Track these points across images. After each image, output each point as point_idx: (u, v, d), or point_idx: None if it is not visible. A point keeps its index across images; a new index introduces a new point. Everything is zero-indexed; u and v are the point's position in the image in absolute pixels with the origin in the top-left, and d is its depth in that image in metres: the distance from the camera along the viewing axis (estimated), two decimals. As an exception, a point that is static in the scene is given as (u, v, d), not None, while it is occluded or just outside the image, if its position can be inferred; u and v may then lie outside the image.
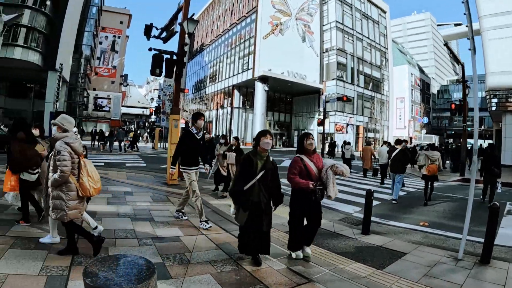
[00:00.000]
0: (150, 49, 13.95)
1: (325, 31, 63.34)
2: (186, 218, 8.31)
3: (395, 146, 14.10)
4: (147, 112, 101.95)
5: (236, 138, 12.13)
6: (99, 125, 67.63)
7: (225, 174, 11.96)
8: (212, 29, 78.29)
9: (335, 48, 60.60)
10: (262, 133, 5.69)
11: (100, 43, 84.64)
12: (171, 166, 8.15)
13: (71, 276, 4.64)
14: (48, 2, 45.78)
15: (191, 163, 7.96)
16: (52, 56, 45.68)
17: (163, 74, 14.36)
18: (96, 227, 6.31)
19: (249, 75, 55.50)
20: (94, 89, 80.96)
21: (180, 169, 8.22)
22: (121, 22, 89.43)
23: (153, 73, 13.85)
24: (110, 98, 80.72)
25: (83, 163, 5.22)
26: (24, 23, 42.50)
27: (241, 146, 12.08)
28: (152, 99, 49.79)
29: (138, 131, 48.16)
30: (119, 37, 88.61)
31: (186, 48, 14.47)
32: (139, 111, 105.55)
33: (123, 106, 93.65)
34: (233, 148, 11.69)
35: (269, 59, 53.39)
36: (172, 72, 14.05)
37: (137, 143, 36.32)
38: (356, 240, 7.68)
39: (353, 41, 64.18)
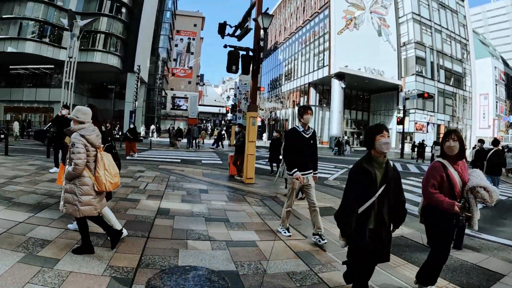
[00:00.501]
0: (225, 46, 13.47)
1: (401, 23, 58.09)
2: (289, 234, 6.63)
3: (493, 147, 12.64)
4: (223, 110, 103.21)
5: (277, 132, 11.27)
6: (176, 123, 69.95)
7: None
8: (285, 27, 77.36)
9: (413, 42, 55.71)
10: (376, 130, 3.86)
11: (176, 45, 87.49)
12: (288, 172, 6.47)
13: (136, 279, 4.28)
14: (123, 10, 48.64)
15: (300, 167, 6.32)
16: (130, 59, 48.42)
17: (239, 71, 13.93)
18: (121, 230, 5.71)
19: (325, 72, 53.32)
20: (172, 89, 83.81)
21: (288, 175, 6.64)
22: (195, 25, 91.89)
23: (229, 70, 13.38)
24: (187, 98, 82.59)
25: (100, 156, 4.84)
26: (102, 30, 45.84)
27: (318, 145, 11.12)
28: (228, 97, 49.71)
29: (223, 130, 48.06)
30: (193, 39, 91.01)
31: (262, 44, 13.85)
32: (215, 110, 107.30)
33: (199, 105, 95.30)
34: None
35: (345, 55, 50.87)
36: (249, 69, 13.48)
37: (222, 141, 36.54)
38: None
39: (431, 33, 58.13)
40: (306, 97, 61.22)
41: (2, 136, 24.07)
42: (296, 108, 61.43)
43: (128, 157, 19.14)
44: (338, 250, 5.63)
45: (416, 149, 37.03)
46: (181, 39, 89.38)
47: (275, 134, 15.76)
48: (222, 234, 6.47)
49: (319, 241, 6.14)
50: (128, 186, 10.29)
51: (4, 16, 42.00)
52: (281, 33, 79.43)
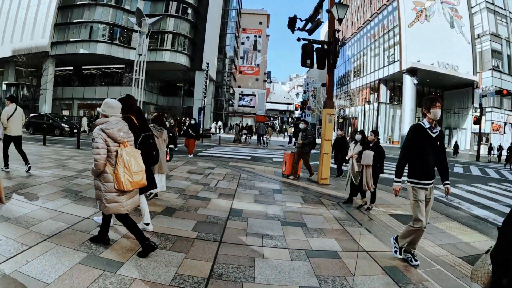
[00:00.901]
0: (298, 39, 12.74)
1: (474, 13, 51.50)
2: (417, 263, 5.02)
3: None
4: (290, 108, 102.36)
5: (375, 133, 8.63)
6: (244, 120, 70.68)
7: (356, 182, 8.78)
8: (352, 22, 74.61)
9: (488, 33, 49.32)
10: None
11: (243, 43, 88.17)
12: (395, 179, 5.16)
13: (209, 291, 3.77)
14: (189, 10, 49.81)
15: (422, 175, 5.01)
16: (198, 57, 49.57)
17: (309, 68, 12.98)
18: (148, 224, 5.52)
19: (396, 67, 50.21)
20: (240, 87, 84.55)
21: (407, 183, 5.14)
22: (260, 23, 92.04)
23: (303, 64, 12.47)
24: (254, 95, 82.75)
25: (120, 152, 4.36)
26: (169, 30, 47.36)
27: (387, 144, 9.61)
28: (297, 94, 48.35)
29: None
30: (259, 36, 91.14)
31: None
32: (282, 107, 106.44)
33: (267, 102, 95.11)
34: (371, 145, 8.62)
35: (416, 50, 47.47)
36: (324, 63, 12.51)
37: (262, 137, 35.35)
38: None
39: (507, 23, 51.35)
40: (376, 94, 58.28)
41: (75, 130, 25.60)
42: (366, 105, 59.27)
43: (190, 155, 17.43)
44: (427, 266, 4.98)
45: (500, 152, 34.41)
46: (247, 37, 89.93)
47: (338, 132, 14.27)
48: (301, 241, 5.73)
49: (411, 261, 5.06)
50: (198, 183, 9.91)
51: (75, 21, 45.01)
52: (348, 28, 76.84)
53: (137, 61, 14.51)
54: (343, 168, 13.65)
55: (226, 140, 34.97)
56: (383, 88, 56.35)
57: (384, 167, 8.76)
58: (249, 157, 19.81)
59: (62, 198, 6.90)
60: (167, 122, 16.67)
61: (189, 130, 17.99)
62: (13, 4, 49.43)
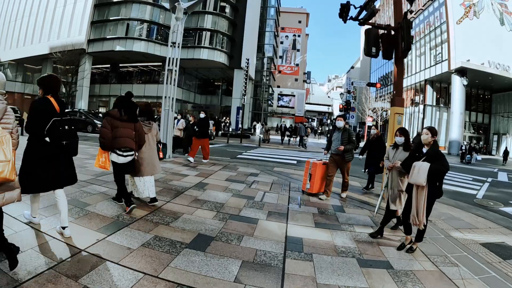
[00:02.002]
0: (360, 23, 10.90)
1: None
2: None
3: None
4: (329, 109, 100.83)
5: (432, 131, 5.28)
6: (283, 121, 69.03)
7: (395, 206, 6.04)
8: (394, 20, 70.89)
9: None
10: None
11: (281, 42, 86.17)
12: None
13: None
14: (227, 7, 48.64)
15: None
16: (237, 55, 48.12)
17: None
18: (65, 228, 4.60)
19: (444, 67, 45.74)
20: (278, 86, 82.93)
21: None
22: (299, 21, 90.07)
23: (368, 52, 10.33)
24: (293, 95, 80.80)
25: None
26: (207, 27, 46.09)
27: None
28: (341, 94, 45.58)
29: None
30: (299, 35, 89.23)
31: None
32: (321, 109, 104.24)
33: (306, 103, 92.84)
34: (423, 151, 5.69)
35: (466, 48, 43.05)
36: (391, 52, 10.21)
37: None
38: None
39: None
40: (422, 95, 54.48)
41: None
42: (410, 108, 55.54)
43: (204, 161, 13.34)
44: None
45: None
46: (286, 36, 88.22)
47: (373, 131, 11.16)
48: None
49: None
50: (241, 196, 8.02)
51: (111, 18, 44.66)
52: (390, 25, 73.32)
53: (171, 48, 12.85)
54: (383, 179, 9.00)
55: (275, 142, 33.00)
56: (429, 89, 52.50)
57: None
58: (295, 161, 17.56)
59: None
60: (182, 121, 15.69)
61: (195, 127, 13.33)
62: (50, 2, 50.12)
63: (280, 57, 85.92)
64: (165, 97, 12.97)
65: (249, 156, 18.52)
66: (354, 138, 8.72)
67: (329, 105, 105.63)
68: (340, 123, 8.89)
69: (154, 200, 6.61)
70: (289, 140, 32.56)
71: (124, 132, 5.84)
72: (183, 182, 8.90)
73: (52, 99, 4.38)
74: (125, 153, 5.92)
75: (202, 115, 13.37)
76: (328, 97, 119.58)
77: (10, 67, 60.26)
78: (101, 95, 52.25)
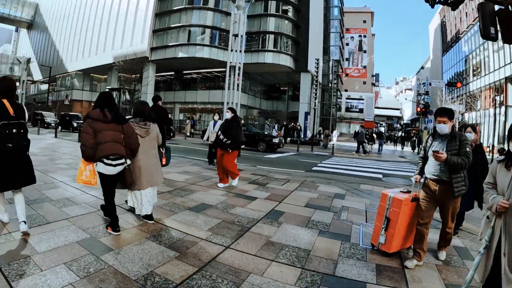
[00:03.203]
0: (451, 5, 8.74)
1: None
2: None
3: None
4: (398, 113, 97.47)
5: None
6: (352, 126, 67.79)
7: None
8: (466, 13, 65.68)
9: None
10: None
11: (347, 44, 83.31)
12: None
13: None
14: (289, 9, 46.91)
15: None
16: (302, 58, 46.31)
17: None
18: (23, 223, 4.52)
19: None
20: (346, 90, 79.86)
21: None
22: (364, 21, 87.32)
23: (486, 34, 7.70)
24: (362, 99, 77.64)
25: None
26: (270, 30, 44.62)
27: None
28: (419, 95, 41.42)
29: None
30: (364, 36, 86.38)
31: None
32: (391, 113, 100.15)
33: (375, 107, 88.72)
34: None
35: None
36: None
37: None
38: None
39: None
40: (502, 95, 48.99)
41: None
42: (489, 110, 50.25)
43: (234, 182, 9.49)
44: None
45: None
46: (352, 37, 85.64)
47: (470, 135, 6.49)
48: None
49: None
50: (331, 234, 5.56)
51: (173, 25, 44.71)
52: (463, 20, 67.76)
53: (232, 41, 10.96)
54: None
55: (339, 149, 30.21)
56: (510, 88, 47.33)
57: None
58: (380, 175, 14.54)
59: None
60: (221, 122, 12.12)
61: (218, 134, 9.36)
62: (112, 13, 51.96)
63: (347, 59, 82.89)
64: (227, 102, 10.97)
65: (325, 167, 15.92)
66: (469, 151, 4.46)
67: (398, 109, 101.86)
68: (444, 128, 4.54)
69: (149, 217, 5.58)
70: (366, 148, 28.78)
71: (110, 136, 4.83)
72: (249, 209, 6.61)
73: (6, 102, 4.37)
74: (114, 162, 4.88)
75: (228, 114, 9.40)
76: (397, 100, 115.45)
77: (77, 76, 63.68)
78: (166, 102, 51.33)
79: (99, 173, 4.82)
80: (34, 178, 4.70)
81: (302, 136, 37.67)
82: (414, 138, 37.26)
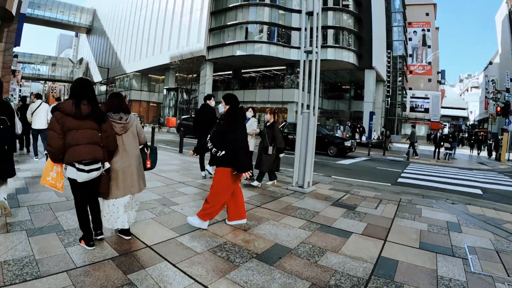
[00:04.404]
0: None
1: None
2: None
3: None
4: (464, 113, 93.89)
5: None
6: (418, 127, 64.39)
7: None
8: None
9: None
10: None
11: (410, 39, 78.91)
12: None
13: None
14: (350, 5, 44.48)
15: None
16: (366, 54, 43.96)
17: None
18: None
19: None
20: (410, 88, 76.14)
21: None
22: (427, 14, 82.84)
23: None
24: (428, 98, 73.82)
25: None
26: (330, 24, 42.37)
27: None
28: (496, 91, 37.57)
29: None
30: (428, 30, 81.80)
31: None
32: (456, 113, 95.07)
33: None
34: None
35: None
36: None
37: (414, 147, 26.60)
38: None
39: None
40: None
41: None
42: None
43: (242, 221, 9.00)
44: None
45: None
46: (415, 32, 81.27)
47: None
48: None
49: None
50: None
51: (229, 23, 43.88)
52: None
53: (304, 20, 9.16)
54: None
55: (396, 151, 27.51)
56: None
57: None
58: (478, 189, 11.80)
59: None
60: (254, 120, 9.59)
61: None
62: (168, 14, 52.67)
63: (410, 55, 78.27)
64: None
65: (410, 178, 13.48)
66: None
67: (464, 109, 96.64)
68: None
69: (126, 232, 4.58)
70: (448, 154, 25.47)
71: (85, 135, 3.89)
72: (347, 257, 4.49)
73: None
74: (88, 167, 3.94)
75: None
76: (463, 99, 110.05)
77: (135, 77, 65.38)
78: (225, 102, 50.95)
79: (68, 178, 4.01)
80: (13, 171, 4.82)
81: (364, 137, 34.93)
82: (491, 142, 33.43)
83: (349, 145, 20.69)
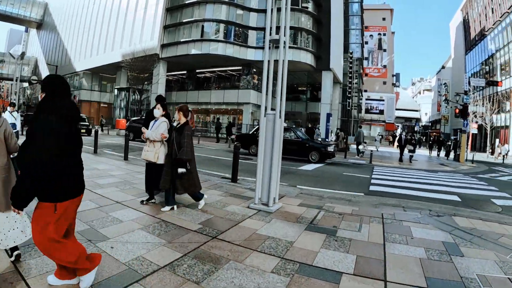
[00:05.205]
0: None
1: None
2: None
3: None
4: (417, 115, 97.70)
5: None
6: (373, 128, 67.41)
7: None
8: (492, 9, 61.71)
9: None
10: None
11: (366, 43, 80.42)
12: None
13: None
14: (310, 6, 43.86)
15: None
16: (324, 55, 43.60)
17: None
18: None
19: None
20: (365, 91, 77.20)
21: None
22: (384, 19, 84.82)
23: None
24: (383, 100, 75.51)
25: None
26: (290, 24, 40.72)
27: None
28: (457, 94, 37.59)
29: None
30: (384, 34, 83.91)
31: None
32: (409, 114, 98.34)
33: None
34: None
35: None
36: None
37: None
38: None
39: None
40: None
41: None
42: None
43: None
44: None
45: None
46: (371, 35, 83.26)
47: None
48: None
49: None
50: None
51: (185, 20, 42.31)
52: (488, 17, 63.94)
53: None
54: None
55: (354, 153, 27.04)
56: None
57: None
58: (454, 196, 11.09)
59: None
60: (164, 121, 7.05)
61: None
62: (121, 9, 50.11)
63: (366, 58, 79.89)
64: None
65: (382, 185, 12.52)
66: None
67: (417, 110, 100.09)
68: None
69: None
70: (411, 156, 25.22)
71: None
72: None
73: None
74: None
75: (157, 112, 7.12)
76: (415, 101, 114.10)
77: (86, 76, 61.65)
78: (178, 102, 48.84)
79: None
80: None
81: (320, 139, 34.56)
82: (449, 143, 33.84)
83: (332, 150, 19.44)
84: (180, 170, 6.21)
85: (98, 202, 6.72)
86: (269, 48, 7.67)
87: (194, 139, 31.18)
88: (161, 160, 6.67)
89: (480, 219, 7.51)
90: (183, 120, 6.56)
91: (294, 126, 38.66)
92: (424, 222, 6.86)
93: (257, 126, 20.94)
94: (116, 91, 51.17)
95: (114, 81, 57.97)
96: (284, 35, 7.51)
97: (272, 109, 7.70)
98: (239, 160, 10.34)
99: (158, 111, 6.95)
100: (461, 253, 5.12)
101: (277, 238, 5.37)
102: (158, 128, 6.73)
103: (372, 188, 11.68)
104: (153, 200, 7.01)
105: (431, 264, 4.62)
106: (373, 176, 14.98)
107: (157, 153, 6.70)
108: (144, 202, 6.90)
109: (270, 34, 7.59)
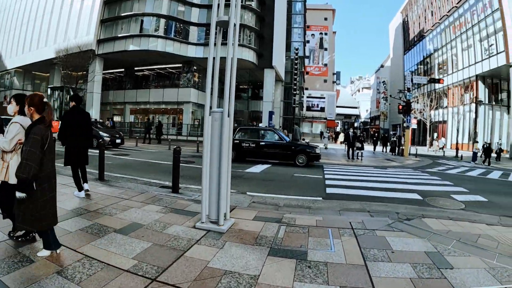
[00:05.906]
0: None
1: None
2: None
3: None
4: (356, 112, 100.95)
5: None
6: (314, 126, 68.77)
7: None
8: (432, 12, 64.13)
9: None
10: None
11: (308, 41, 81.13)
12: None
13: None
14: (253, 3, 43.77)
15: None
16: (267, 53, 43.34)
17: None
18: None
19: (500, 60, 39.56)
20: (307, 89, 78.09)
21: None
22: (326, 18, 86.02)
23: None
24: (323, 98, 76.96)
25: None
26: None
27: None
28: (400, 92, 38.16)
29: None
30: (325, 33, 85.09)
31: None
32: (349, 111, 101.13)
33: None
34: None
35: None
36: None
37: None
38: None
39: None
40: (471, 93, 47.25)
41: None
42: (458, 108, 49.04)
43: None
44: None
45: None
46: (313, 35, 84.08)
47: None
48: None
49: None
50: None
51: (123, 14, 40.30)
52: (428, 19, 66.44)
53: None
54: None
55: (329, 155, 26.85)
56: (480, 86, 45.79)
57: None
58: (415, 194, 10.75)
59: None
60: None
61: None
62: (56, 2, 46.49)
63: (307, 57, 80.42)
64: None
65: (339, 186, 11.70)
66: None
67: (356, 107, 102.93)
68: None
69: None
70: (358, 154, 24.39)
71: None
72: None
73: None
74: None
75: (11, 107, 4.80)
76: (354, 99, 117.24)
77: (17, 75, 57.39)
78: (116, 102, 47.75)
79: None
80: None
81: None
82: (394, 139, 34.61)
83: (318, 152, 18.46)
84: (18, 194, 3.98)
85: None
86: (215, 33, 6.20)
87: (132, 141, 29.19)
88: (12, 179, 4.38)
89: (450, 219, 7.38)
90: (36, 116, 4.31)
91: (235, 124, 37.98)
92: (397, 229, 6.32)
93: (237, 128, 19.55)
94: (49, 90, 46.31)
95: (48, 80, 54.49)
96: (235, 18, 6.16)
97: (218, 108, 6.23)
98: (180, 164, 9.37)
99: (11, 107, 4.84)
100: (449, 264, 4.64)
101: (236, 273, 4.10)
102: (7, 133, 4.52)
103: (329, 190, 10.95)
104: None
105: (425, 285, 4.01)
106: (325, 176, 14.34)
107: (5, 168, 4.49)
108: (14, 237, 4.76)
109: (218, 16, 6.14)
